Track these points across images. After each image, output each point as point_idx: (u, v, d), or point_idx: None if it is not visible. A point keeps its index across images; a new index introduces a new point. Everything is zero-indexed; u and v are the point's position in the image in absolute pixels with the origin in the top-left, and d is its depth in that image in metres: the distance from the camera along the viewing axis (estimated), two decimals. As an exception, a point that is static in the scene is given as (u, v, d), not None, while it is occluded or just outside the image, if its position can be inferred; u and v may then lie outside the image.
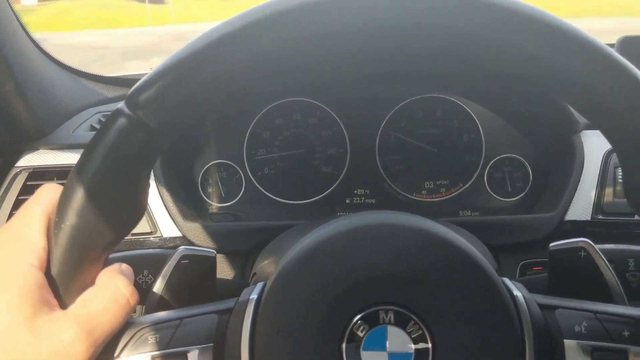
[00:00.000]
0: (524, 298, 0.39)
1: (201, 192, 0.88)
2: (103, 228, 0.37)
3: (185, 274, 0.47)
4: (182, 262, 0.47)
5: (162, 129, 0.37)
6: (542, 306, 0.39)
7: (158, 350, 0.37)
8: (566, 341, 0.37)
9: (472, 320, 0.36)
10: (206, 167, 0.88)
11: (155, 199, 0.78)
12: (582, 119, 0.80)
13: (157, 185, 0.79)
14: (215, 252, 0.49)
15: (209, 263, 0.48)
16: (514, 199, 0.87)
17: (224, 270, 0.79)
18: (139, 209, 0.39)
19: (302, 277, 0.38)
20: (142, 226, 0.77)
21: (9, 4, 0.83)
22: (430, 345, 0.36)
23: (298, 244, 0.40)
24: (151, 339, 0.38)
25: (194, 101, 0.36)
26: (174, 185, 0.80)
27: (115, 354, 0.37)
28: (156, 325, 0.38)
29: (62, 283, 0.37)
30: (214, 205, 0.88)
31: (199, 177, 0.88)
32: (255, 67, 0.36)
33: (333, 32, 0.35)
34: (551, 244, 0.47)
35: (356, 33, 0.35)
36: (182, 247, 0.48)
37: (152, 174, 0.78)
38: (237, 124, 0.88)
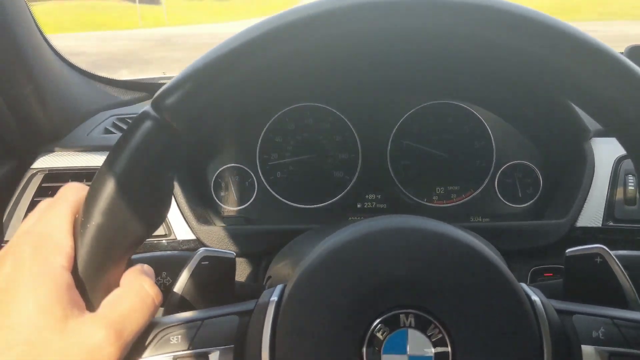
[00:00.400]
0: (542, 303, 0.39)
1: (214, 195, 0.88)
2: (128, 228, 0.37)
3: (205, 275, 0.48)
4: (203, 263, 0.48)
5: (187, 131, 0.37)
6: (559, 311, 0.40)
7: (180, 350, 0.38)
8: (584, 347, 0.38)
9: (492, 325, 0.37)
10: (219, 170, 0.88)
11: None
12: (592, 126, 0.81)
13: None
14: (234, 253, 0.50)
15: (229, 264, 0.49)
16: (525, 205, 0.87)
17: (236, 272, 0.79)
18: (164, 209, 0.40)
19: (324, 280, 0.38)
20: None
21: (27, 7, 0.84)
22: (450, 348, 0.37)
23: (319, 246, 0.40)
24: (173, 339, 0.38)
25: (218, 104, 0.37)
26: (187, 188, 0.81)
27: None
28: (178, 326, 0.39)
29: (88, 283, 0.37)
30: (227, 208, 0.89)
31: (212, 180, 0.89)
32: (274, 71, 0.36)
33: (348, 39, 0.36)
34: (567, 250, 0.48)
35: (370, 40, 0.36)
36: (202, 248, 0.49)
37: None
38: (250, 129, 0.89)
